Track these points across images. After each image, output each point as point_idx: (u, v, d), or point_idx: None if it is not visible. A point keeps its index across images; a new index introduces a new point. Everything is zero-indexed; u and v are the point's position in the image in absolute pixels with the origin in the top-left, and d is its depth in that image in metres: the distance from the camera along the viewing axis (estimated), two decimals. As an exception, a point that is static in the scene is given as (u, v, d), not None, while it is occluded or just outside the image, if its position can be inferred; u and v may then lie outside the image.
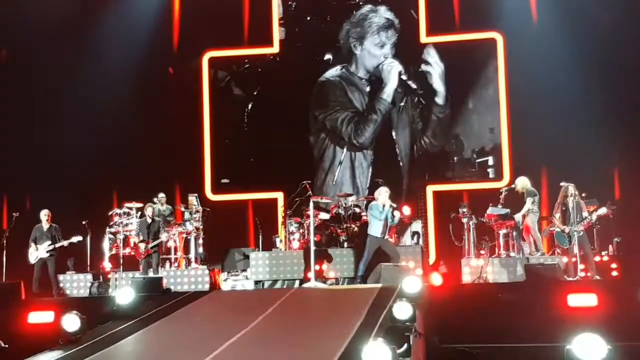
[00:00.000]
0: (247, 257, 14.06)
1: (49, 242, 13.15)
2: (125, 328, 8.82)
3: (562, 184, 12.29)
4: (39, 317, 9.73)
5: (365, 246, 12.47)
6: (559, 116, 15.55)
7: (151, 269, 13.04)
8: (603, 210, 12.04)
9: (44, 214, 13.34)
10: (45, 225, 13.28)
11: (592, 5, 15.55)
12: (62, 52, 16.78)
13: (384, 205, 12.35)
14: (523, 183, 13.12)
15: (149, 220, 13.36)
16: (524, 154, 15.93)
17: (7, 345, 9.05)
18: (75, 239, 13.29)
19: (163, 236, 13.39)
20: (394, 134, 16.97)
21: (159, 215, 14.04)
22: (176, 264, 14.09)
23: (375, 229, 12.37)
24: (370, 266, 12.25)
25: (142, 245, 13.20)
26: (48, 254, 13.15)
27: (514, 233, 12.97)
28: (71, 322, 8.39)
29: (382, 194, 12.51)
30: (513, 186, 13.26)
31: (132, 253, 13.65)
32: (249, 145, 17.42)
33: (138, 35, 16.95)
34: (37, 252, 13.14)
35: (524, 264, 12.03)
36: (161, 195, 14.67)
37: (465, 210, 13.35)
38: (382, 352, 6.10)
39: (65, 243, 13.22)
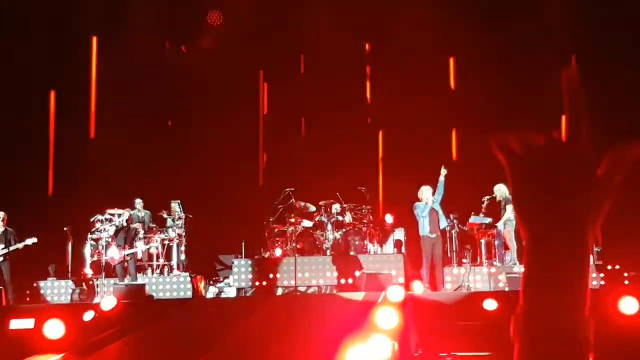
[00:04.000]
0: (230, 265, 14.03)
1: (3, 246, 12.65)
2: (108, 335, 8.79)
3: None
4: (20, 323, 9.65)
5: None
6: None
7: (128, 276, 12.90)
8: None
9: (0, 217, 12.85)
10: (0, 228, 12.81)
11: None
12: None
13: (426, 203, 12.47)
14: (502, 191, 13.01)
15: (125, 226, 13.18)
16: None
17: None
18: (30, 241, 12.71)
19: (139, 244, 13.22)
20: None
21: (138, 221, 13.90)
22: (158, 271, 14.01)
23: (422, 228, 12.51)
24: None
25: (115, 252, 13.03)
26: (2, 258, 12.63)
27: (496, 242, 12.99)
28: (53, 329, 8.36)
29: (425, 192, 12.58)
30: (494, 195, 13.17)
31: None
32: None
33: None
34: None
35: (505, 272, 12.09)
36: (138, 200, 14.34)
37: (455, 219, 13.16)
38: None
39: (20, 246, 12.64)
